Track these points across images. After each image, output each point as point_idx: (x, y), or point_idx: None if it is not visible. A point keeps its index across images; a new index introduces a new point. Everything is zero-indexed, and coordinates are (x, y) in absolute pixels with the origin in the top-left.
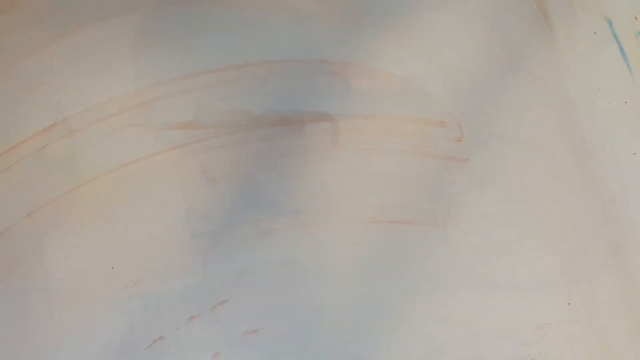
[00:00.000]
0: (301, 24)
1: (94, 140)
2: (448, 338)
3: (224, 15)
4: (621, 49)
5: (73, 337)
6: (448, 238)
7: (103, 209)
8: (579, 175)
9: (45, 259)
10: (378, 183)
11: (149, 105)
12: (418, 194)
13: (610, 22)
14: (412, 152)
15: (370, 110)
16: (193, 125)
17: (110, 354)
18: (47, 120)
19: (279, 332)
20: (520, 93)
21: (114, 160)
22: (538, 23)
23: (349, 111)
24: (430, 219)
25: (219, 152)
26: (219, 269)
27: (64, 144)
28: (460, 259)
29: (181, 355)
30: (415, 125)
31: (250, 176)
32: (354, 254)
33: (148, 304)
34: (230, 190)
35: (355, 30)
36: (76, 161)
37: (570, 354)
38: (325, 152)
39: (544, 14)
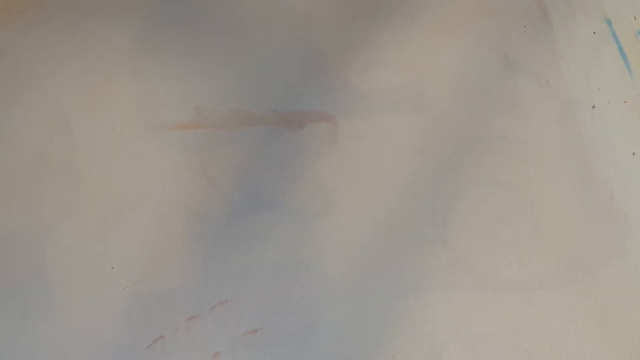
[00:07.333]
0: (301, 24)
1: (94, 140)
2: (448, 338)
3: (224, 16)
4: (621, 49)
5: (73, 337)
6: (448, 238)
7: (103, 209)
8: (578, 175)
9: (45, 259)
10: (378, 183)
11: (149, 105)
12: (418, 194)
13: (609, 22)
14: (412, 152)
15: (370, 110)
16: (193, 125)
17: (111, 354)
18: (47, 120)
19: (279, 332)
20: (520, 93)
21: (114, 160)
22: (538, 23)
23: (349, 111)
24: (431, 219)
25: (219, 152)
26: (219, 269)
27: (64, 144)
28: (460, 259)
29: (181, 355)
30: (415, 124)
31: (250, 176)
32: (354, 254)
33: (148, 304)
34: (230, 190)
35: (355, 30)
36: (76, 161)
37: (570, 353)
38: (325, 152)
39: (544, 14)
